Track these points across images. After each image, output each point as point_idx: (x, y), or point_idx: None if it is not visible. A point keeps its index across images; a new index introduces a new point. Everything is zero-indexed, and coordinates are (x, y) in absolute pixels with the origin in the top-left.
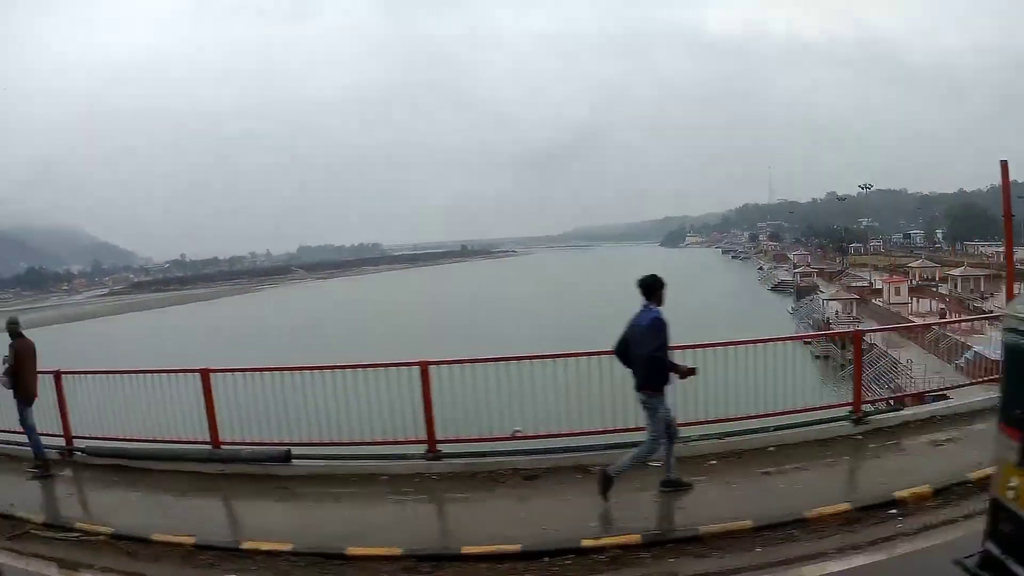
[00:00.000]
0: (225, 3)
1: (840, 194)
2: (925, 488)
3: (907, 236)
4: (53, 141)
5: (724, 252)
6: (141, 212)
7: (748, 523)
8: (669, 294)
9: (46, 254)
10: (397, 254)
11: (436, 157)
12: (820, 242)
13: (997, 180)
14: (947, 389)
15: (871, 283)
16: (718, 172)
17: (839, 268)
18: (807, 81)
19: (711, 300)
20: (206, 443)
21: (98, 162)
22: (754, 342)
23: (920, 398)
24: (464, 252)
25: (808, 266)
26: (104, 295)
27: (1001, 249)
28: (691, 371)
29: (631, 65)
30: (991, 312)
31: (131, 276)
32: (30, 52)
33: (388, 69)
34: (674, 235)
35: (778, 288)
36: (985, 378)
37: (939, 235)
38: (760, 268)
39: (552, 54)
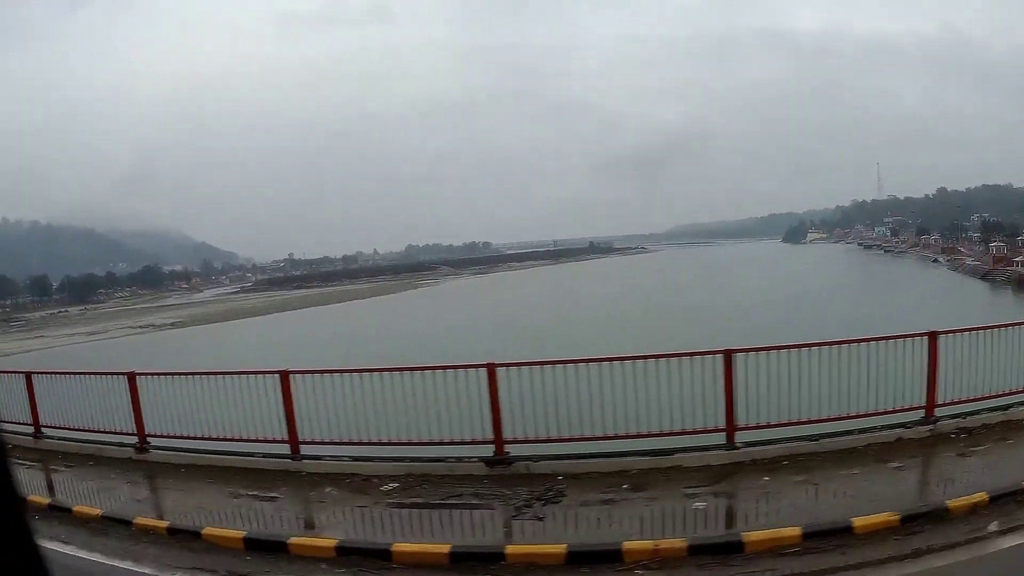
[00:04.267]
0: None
1: (949, 189)
2: None
3: None
4: (145, 145)
5: (865, 247)
6: (235, 214)
7: None
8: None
9: (144, 255)
10: (511, 252)
11: (535, 160)
12: (981, 235)
13: None
14: None
15: None
16: (818, 169)
17: None
18: (898, 80)
19: (957, 293)
20: None
21: (192, 165)
22: None
23: None
24: (593, 249)
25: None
26: (235, 292)
27: None
28: None
29: (723, 68)
30: None
31: (248, 274)
32: (128, 57)
33: (484, 76)
34: (795, 231)
35: (988, 278)
36: None
37: None
38: (935, 261)
39: (645, 60)
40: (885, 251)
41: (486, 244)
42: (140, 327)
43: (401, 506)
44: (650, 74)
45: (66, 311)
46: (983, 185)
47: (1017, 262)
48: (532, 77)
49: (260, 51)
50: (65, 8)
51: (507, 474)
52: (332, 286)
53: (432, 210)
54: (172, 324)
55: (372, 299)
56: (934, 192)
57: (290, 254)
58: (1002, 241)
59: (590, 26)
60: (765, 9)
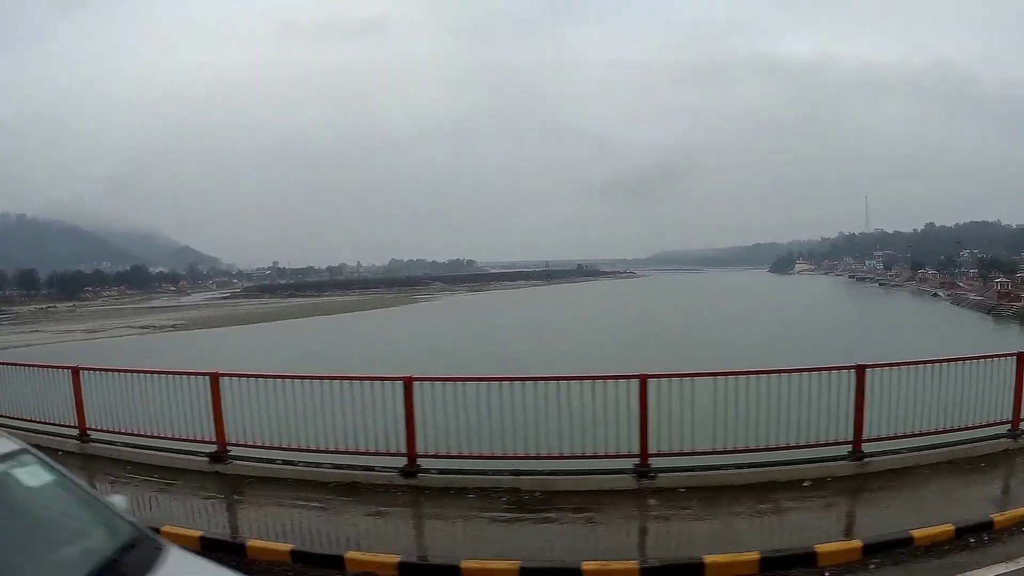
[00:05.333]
0: (316, 24)
1: (937, 224)
2: None
3: None
4: (136, 148)
5: (858, 280)
6: (218, 220)
7: None
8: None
9: (127, 255)
10: (496, 271)
11: (520, 181)
12: (979, 271)
13: None
14: None
15: None
16: (803, 200)
17: None
18: (887, 111)
19: (970, 327)
20: None
21: (179, 169)
22: None
23: None
24: (582, 271)
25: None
26: (226, 297)
27: None
28: None
29: (713, 95)
30: None
31: (235, 280)
32: (122, 61)
33: (471, 95)
34: (783, 261)
35: (994, 312)
36: None
37: None
38: (935, 295)
39: (637, 85)
40: (880, 284)
41: (470, 262)
42: (141, 328)
43: None
44: (641, 99)
45: (55, 306)
46: (972, 221)
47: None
48: (523, 99)
49: (255, 60)
50: (58, 10)
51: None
52: (326, 296)
53: (416, 225)
54: (174, 326)
55: (378, 311)
56: (922, 227)
57: (275, 262)
58: (1006, 277)
59: (584, 50)
60: (756, 37)
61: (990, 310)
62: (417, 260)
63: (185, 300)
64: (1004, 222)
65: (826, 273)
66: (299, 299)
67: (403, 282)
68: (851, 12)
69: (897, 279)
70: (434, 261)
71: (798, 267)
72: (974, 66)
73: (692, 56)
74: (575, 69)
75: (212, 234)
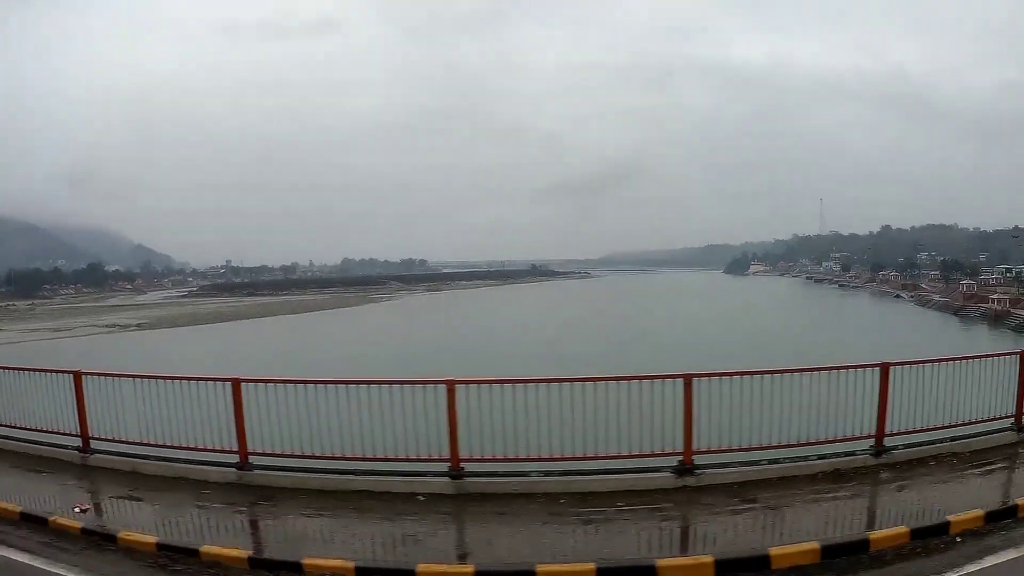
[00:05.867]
0: (264, 22)
1: (894, 227)
2: None
3: (1009, 271)
4: (91, 146)
5: (816, 281)
6: (172, 219)
7: None
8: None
9: (83, 253)
10: (449, 271)
11: (471, 182)
12: (941, 273)
13: None
14: None
15: None
16: (755, 203)
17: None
18: (840, 116)
19: (941, 327)
20: None
21: (132, 168)
22: None
23: None
24: (536, 272)
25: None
26: (183, 296)
27: None
28: None
29: (664, 97)
30: None
31: (189, 279)
32: (71, 56)
33: (420, 93)
34: (737, 263)
35: (961, 313)
36: None
37: None
38: (898, 296)
39: (588, 86)
40: (840, 286)
41: (422, 261)
42: (107, 326)
43: None
44: (592, 101)
45: (14, 304)
46: (929, 224)
47: (994, 299)
48: (474, 98)
49: (210, 60)
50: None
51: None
52: (284, 295)
53: (367, 224)
54: (139, 325)
55: (343, 310)
56: (878, 229)
57: (228, 261)
58: (971, 280)
59: (533, 50)
60: (708, 40)
61: (956, 311)
62: (369, 259)
63: (142, 299)
64: (961, 226)
65: (782, 274)
66: (259, 298)
67: (359, 281)
68: (806, 18)
69: (857, 281)
70: (386, 260)
71: (753, 268)
72: (932, 77)
73: (644, 59)
74: (527, 69)
75: (165, 232)
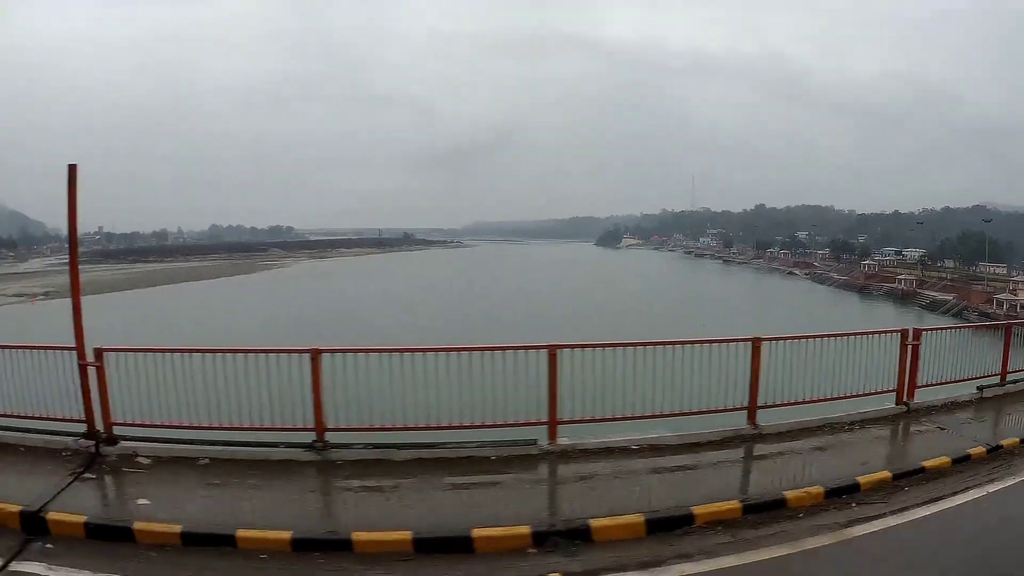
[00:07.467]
0: None
1: (768, 205)
2: None
3: (899, 253)
4: None
5: (696, 256)
6: (44, 184)
7: None
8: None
9: None
10: (315, 239)
11: (338, 148)
12: (828, 252)
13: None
14: None
15: None
16: (624, 178)
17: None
18: (713, 95)
19: (857, 307)
20: None
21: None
22: None
23: None
24: (411, 240)
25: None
26: (66, 264)
27: None
28: None
29: (531, 70)
30: None
31: (61, 246)
32: None
33: (291, 58)
34: (610, 235)
35: (864, 292)
36: None
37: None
38: (791, 273)
39: (456, 56)
40: (724, 261)
41: (289, 228)
42: (14, 296)
43: None
44: (463, 69)
45: None
46: (804, 204)
47: (901, 279)
48: (342, 65)
49: (83, 24)
50: None
51: None
52: (169, 262)
53: (233, 191)
54: (46, 294)
55: (236, 277)
56: (752, 207)
57: (100, 227)
58: (871, 260)
59: (405, 18)
60: (577, 13)
61: (860, 290)
62: (237, 226)
63: (25, 267)
64: (838, 207)
65: (656, 248)
66: (148, 265)
67: (240, 248)
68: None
69: (742, 256)
70: (253, 227)
71: (625, 241)
72: (810, 60)
73: (516, 32)
74: (399, 36)
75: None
